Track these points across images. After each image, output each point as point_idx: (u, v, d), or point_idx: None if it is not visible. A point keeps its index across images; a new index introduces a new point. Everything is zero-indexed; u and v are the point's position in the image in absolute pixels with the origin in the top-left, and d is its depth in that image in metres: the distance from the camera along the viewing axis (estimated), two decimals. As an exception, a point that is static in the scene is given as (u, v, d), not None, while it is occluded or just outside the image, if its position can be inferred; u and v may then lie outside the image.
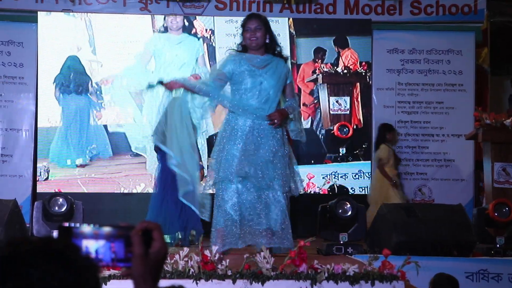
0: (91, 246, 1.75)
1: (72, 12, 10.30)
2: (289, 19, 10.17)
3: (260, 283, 5.42)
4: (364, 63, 10.24)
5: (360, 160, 9.78)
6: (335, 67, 9.98)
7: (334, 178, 9.60)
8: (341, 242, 7.32)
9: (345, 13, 10.59)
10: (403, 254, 6.25)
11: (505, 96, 11.69)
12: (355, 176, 9.60)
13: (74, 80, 10.14)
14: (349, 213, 7.58)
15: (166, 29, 10.19)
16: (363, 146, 9.94)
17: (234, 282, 5.41)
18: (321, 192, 9.81)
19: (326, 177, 9.51)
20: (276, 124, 6.35)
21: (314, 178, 9.55)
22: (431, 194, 10.32)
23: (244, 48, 6.56)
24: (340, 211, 7.61)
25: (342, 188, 9.44)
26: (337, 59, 10.05)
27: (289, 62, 6.32)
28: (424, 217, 7.55)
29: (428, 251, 6.87)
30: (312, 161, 9.59)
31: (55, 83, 10.09)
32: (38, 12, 10.16)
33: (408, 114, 10.45)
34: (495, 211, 7.60)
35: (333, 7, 10.57)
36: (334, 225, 7.62)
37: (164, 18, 10.21)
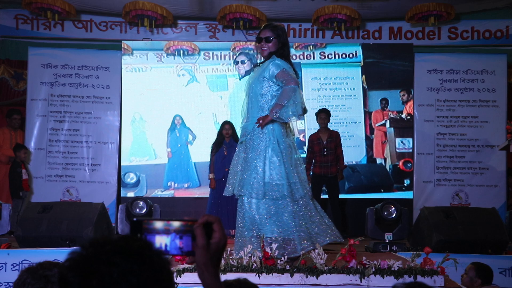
0: (161, 240, 1.73)
1: (151, 40, 10.47)
2: (362, 75, 10.08)
3: (315, 276, 5.39)
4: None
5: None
6: (400, 114, 10.05)
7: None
8: (387, 241, 7.32)
9: (389, 38, 10.55)
10: (443, 251, 6.17)
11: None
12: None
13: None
14: (394, 215, 7.58)
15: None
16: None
17: (292, 276, 5.40)
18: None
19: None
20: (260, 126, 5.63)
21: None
22: (467, 198, 10.18)
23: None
24: (385, 213, 7.62)
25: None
26: (403, 108, 10.11)
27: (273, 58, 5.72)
28: (462, 219, 7.48)
29: (465, 249, 6.78)
30: (382, 190, 9.85)
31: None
32: (123, 42, 10.37)
33: (446, 127, 10.34)
34: (525, 214, 7.49)
35: (378, 33, 10.55)
36: (380, 226, 7.60)
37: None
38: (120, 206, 8.85)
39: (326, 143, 9.47)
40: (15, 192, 9.52)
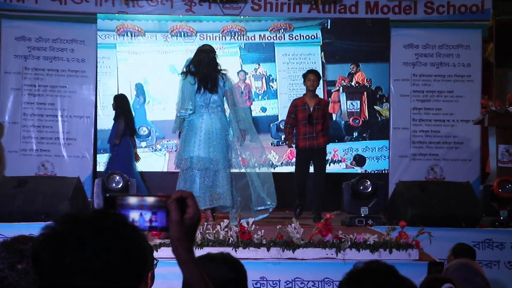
0: (135, 216, 1.71)
1: (127, 13, 10.35)
2: (321, 52, 10.76)
3: (291, 250, 5.43)
4: (368, 79, 10.74)
5: (366, 140, 10.78)
6: (351, 82, 10.81)
7: (350, 151, 10.77)
8: (362, 215, 7.35)
9: (366, 13, 10.53)
10: (418, 225, 6.22)
11: (509, 85, 11.54)
12: (363, 150, 10.77)
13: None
14: (369, 189, 7.62)
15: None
16: (368, 131, 10.76)
17: (268, 250, 5.43)
18: (342, 161, 10.72)
19: (345, 151, 10.82)
20: None
21: (338, 151, 10.73)
22: (442, 172, 10.25)
23: None
24: (361, 187, 7.65)
25: (360, 156, 10.88)
26: (352, 78, 10.87)
27: None
28: (436, 193, 7.54)
29: (439, 223, 6.84)
30: (336, 140, 10.62)
31: None
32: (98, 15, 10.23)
33: (422, 102, 10.37)
34: (499, 188, 7.58)
35: (355, 8, 10.51)
36: (356, 200, 7.64)
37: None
38: (96, 180, 8.78)
39: (313, 110, 8.38)
40: (-13, 167, 9.45)
